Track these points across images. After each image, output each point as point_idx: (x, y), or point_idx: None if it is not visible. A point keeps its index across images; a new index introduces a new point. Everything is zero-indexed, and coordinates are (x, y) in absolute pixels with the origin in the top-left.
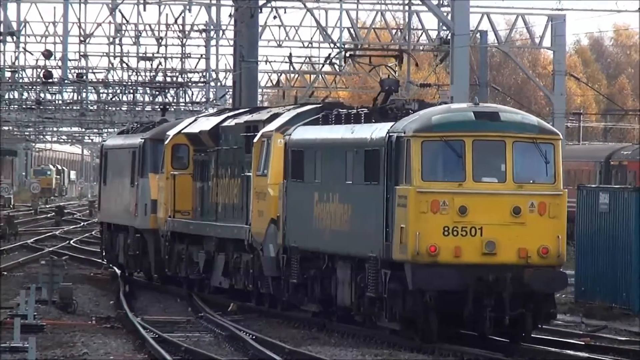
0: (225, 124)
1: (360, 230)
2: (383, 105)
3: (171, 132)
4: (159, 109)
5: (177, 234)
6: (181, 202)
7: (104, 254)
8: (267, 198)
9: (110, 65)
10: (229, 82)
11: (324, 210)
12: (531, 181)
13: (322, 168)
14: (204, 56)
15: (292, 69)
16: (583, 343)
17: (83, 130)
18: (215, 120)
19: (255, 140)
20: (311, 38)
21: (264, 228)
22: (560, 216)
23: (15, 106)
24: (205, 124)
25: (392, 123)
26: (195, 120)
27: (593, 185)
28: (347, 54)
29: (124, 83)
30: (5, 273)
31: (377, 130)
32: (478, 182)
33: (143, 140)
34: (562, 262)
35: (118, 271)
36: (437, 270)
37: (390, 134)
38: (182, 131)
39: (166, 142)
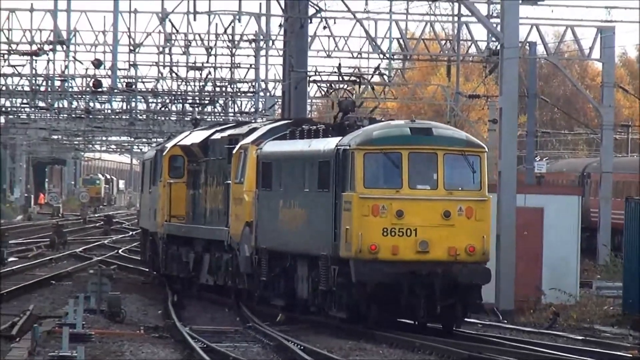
0: (213, 137)
1: (314, 232)
2: (340, 122)
3: (169, 145)
4: (190, 121)
5: (172, 236)
6: (176, 208)
7: (140, 257)
8: (243, 203)
9: (160, 75)
10: (278, 92)
11: (287, 215)
12: (460, 188)
13: (286, 178)
14: (253, 66)
15: (340, 79)
16: (631, 355)
17: (132, 139)
18: (206, 133)
19: (234, 151)
20: (360, 48)
21: (240, 230)
22: (485, 219)
23: (65, 115)
24: (197, 137)
25: (341, 137)
26: (190, 133)
27: None
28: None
29: (173, 92)
30: (54, 282)
31: (328, 144)
32: (413, 189)
33: (155, 152)
34: (486, 259)
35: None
36: (377, 265)
37: (338, 147)
38: (178, 144)
39: (164, 154)
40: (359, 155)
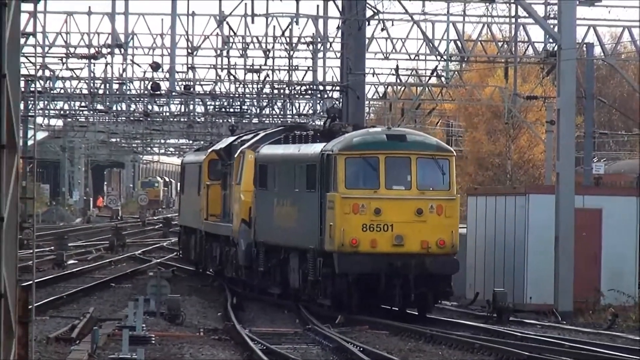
0: (235, 142)
1: (303, 228)
2: (327, 128)
3: (209, 150)
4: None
5: (208, 233)
6: (213, 207)
7: (180, 253)
8: (240, 202)
9: (218, 77)
10: (336, 95)
11: (280, 212)
12: (431, 188)
13: (279, 179)
14: (310, 68)
15: (398, 81)
16: None
17: (190, 142)
18: (231, 139)
19: (235, 155)
20: (418, 50)
21: (238, 226)
22: (453, 215)
23: (123, 118)
24: (226, 142)
25: (326, 143)
26: (226, 138)
27: None
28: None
29: (231, 95)
30: (114, 284)
31: (314, 149)
32: (389, 189)
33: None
34: (455, 252)
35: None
36: (357, 257)
37: (323, 152)
38: (214, 149)
39: (204, 158)
40: (341, 159)
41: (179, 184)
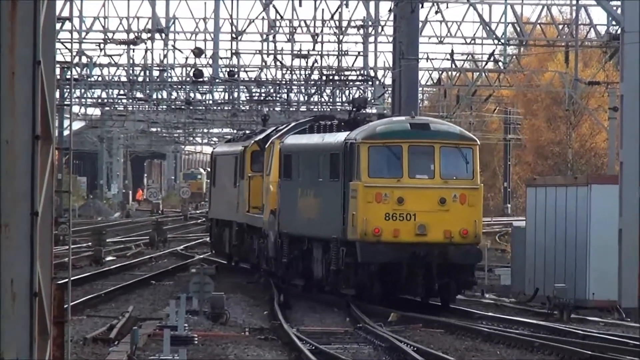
0: (271, 133)
1: (327, 218)
2: (352, 117)
3: (251, 141)
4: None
5: (249, 226)
6: (254, 199)
7: (212, 246)
8: (269, 193)
9: (263, 63)
10: (388, 81)
11: (304, 202)
12: (454, 177)
13: (303, 168)
14: (361, 53)
15: (453, 66)
16: None
17: (234, 131)
18: (269, 130)
19: (265, 146)
20: (474, 34)
21: (267, 217)
22: (477, 205)
23: (164, 106)
24: (264, 133)
25: (349, 132)
26: (266, 129)
27: None
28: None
29: (278, 82)
30: (154, 282)
31: (338, 138)
32: (412, 178)
33: (243, 148)
34: (478, 241)
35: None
36: (380, 247)
37: (346, 141)
38: (255, 140)
39: (242, 149)
40: (364, 148)
41: (210, 175)
